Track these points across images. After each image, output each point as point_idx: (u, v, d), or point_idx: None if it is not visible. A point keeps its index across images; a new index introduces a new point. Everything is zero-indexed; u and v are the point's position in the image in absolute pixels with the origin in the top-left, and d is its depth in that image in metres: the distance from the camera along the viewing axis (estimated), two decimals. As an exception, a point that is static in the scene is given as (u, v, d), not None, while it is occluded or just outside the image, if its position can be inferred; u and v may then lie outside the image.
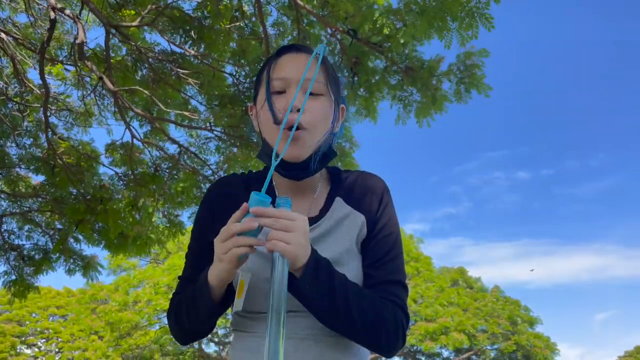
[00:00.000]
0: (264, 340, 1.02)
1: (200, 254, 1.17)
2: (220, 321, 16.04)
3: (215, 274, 1.00)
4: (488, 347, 17.81)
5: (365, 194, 1.19)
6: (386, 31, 3.67)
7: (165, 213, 5.73)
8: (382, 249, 1.14)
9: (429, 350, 16.80)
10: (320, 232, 1.12)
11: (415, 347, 18.07)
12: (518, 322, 17.49)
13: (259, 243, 0.95)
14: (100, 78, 4.23)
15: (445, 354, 19.33)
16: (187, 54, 4.61)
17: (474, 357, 18.93)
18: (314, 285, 0.97)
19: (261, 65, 4.65)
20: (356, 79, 4.12)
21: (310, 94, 1.07)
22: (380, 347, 1.06)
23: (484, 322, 16.95)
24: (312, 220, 1.13)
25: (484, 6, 3.27)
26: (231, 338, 1.22)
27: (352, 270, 1.09)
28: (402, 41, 3.71)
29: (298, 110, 1.03)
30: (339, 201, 1.17)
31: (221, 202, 1.18)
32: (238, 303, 1.00)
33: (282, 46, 1.18)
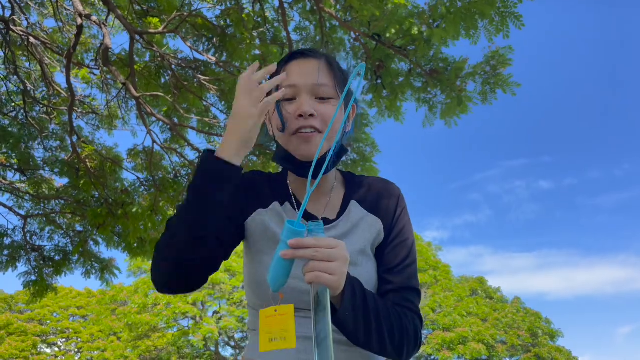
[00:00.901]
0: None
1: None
2: (236, 325, 16.05)
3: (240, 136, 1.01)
4: (507, 359, 17.50)
5: (380, 199, 1.20)
6: (414, 31, 3.64)
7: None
8: (399, 255, 1.15)
9: (446, 360, 16.59)
10: (336, 233, 1.13)
11: (432, 357, 17.86)
12: (539, 335, 17.16)
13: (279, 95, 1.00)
14: (124, 84, 4.29)
15: (463, 364, 19.09)
16: (210, 61, 4.64)
17: (492, 368, 18.65)
18: (352, 311, 0.97)
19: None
20: (379, 81, 4.09)
21: (320, 98, 1.11)
22: (401, 357, 1.07)
23: (503, 334, 16.69)
24: (328, 222, 1.15)
25: (512, 5, 3.22)
26: (247, 342, 1.20)
27: (365, 272, 1.10)
28: (431, 42, 3.68)
29: (310, 115, 1.08)
30: (354, 204, 1.18)
31: (243, 191, 1.19)
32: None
33: (291, 52, 1.20)
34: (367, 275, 1.10)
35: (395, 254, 1.15)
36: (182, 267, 1.00)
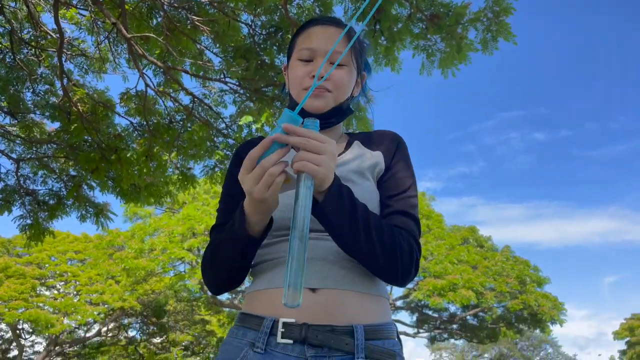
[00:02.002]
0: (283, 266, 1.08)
1: (230, 203, 1.24)
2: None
3: (253, 211, 1.01)
4: (495, 305, 18.04)
5: (382, 141, 1.30)
6: None
7: (178, 165, 5.74)
8: (401, 185, 1.21)
9: (436, 305, 17.06)
10: (338, 162, 1.20)
11: (422, 302, 18.36)
12: (527, 282, 17.61)
13: (284, 165, 0.95)
14: (114, 24, 4.15)
15: (452, 309, 19.66)
16: (203, 1, 4.48)
17: (480, 313, 19.23)
18: (338, 209, 0.99)
19: (277, 18, 4.52)
20: (378, 27, 3.96)
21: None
22: (396, 276, 1.09)
23: (492, 281, 17.10)
24: None
25: None
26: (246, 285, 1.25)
27: (362, 191, 1.13)
28: None
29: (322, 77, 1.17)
30: (357, 143, 1.29)
31: (245, 154, 1.24)
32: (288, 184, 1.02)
33: (313, 18, 1.32)
34: (365, 194, 1.13)
35: (396, 183, 1.21)
36: (225, 284, 1.18)
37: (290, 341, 1.03)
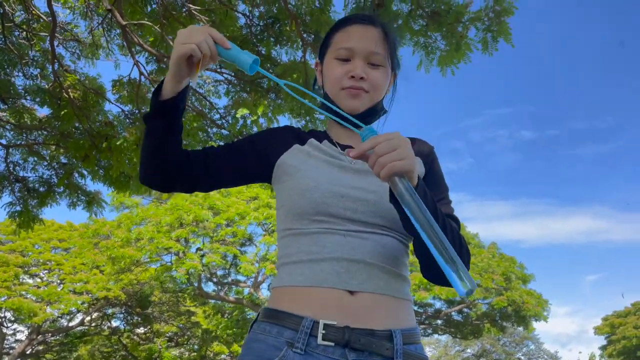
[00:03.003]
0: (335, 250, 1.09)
1: (227, 146, 1.28)
2: (219, 261, 16.30)
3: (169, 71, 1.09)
4: (480, 301, 18.21)
5: (418, 147, 1.30)
6: None
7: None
8: (442, 191, 1.25)
9: (422, 300, 17.17)
10: None
11: (408, 297, 18.46)
12: (512, 279, 17.79)
13: (214, 57, 1.05)
14: (110, 10, 4.08)
15: (438, 305, 19.82)
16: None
17: (465, 309, 19.41)
18: (425, 201, 0.97)
19: (276, 9, 4.45)
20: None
21: (372, 64, 1.23)
22: None
23: (478, 277, 17.24)
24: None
25: None
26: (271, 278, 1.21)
27: None
28: None
29: (361, 78, 1.21)
30: None
31: (281, 133, 1.30)
32: (194, 75, 1.10)
33: (353, 15, 1.33)
34: None
35: (438, 189, 1.23)
36: (153, 169, 1.18)
37: (332, 343, 1.03)
